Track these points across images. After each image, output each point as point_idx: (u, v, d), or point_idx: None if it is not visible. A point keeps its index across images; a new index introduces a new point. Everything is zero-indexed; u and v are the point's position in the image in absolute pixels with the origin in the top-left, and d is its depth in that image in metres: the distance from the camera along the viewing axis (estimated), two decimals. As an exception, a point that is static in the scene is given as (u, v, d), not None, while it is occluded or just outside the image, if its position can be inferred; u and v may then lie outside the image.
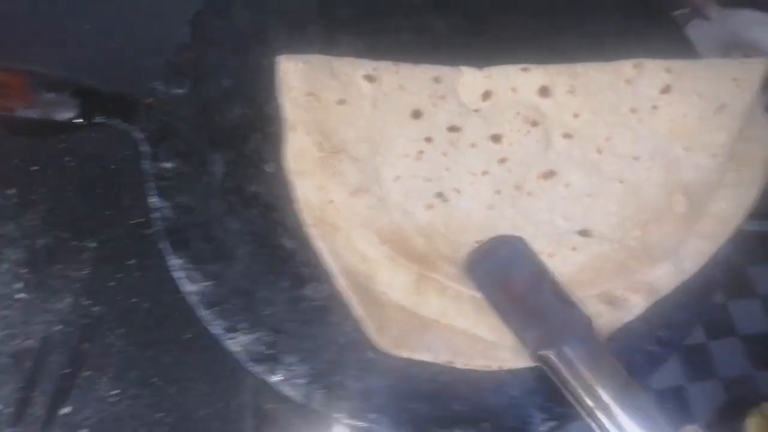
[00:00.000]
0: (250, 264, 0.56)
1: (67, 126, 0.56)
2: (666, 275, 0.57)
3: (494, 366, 0.54)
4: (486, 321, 0.56)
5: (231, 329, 0.55)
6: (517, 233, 0.57)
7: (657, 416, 0.47)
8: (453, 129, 0.60)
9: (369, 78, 0.60)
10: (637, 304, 0.56)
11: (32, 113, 0.55)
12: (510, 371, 0.55)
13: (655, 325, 0.56)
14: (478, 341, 0.55)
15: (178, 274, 0.55)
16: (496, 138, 0.60)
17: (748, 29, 0.80)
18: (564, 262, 0.56)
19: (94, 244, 0.74)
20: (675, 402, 0.68)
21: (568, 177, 0.59)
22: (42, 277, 0.72)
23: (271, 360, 0.54)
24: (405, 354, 0.54)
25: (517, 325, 0.53)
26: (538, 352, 0.51)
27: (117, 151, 0.69)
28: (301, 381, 0.54)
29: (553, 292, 0.54)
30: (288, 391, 0.54)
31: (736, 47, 0.80)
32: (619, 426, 0.47)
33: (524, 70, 0.61)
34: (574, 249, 0.57)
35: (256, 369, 0.54)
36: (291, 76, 0.58)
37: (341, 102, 0.59)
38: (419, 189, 0.58)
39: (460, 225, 0.58)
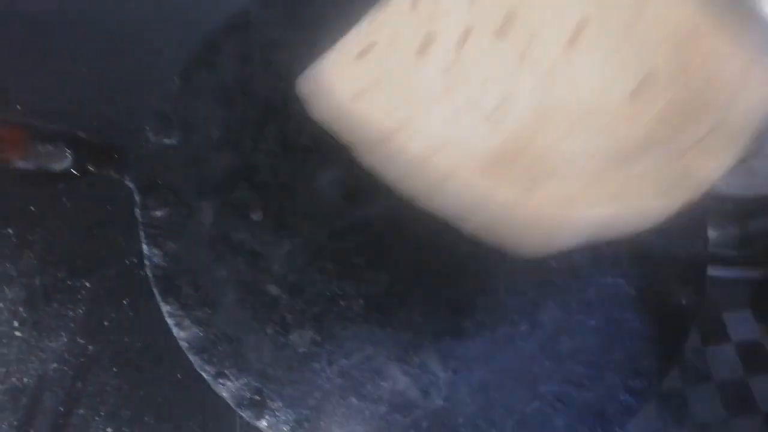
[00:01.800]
0: (237, 311, 0.57)
1: (62, 176, 0.57)
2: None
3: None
4: None
5: (220, 375, 0.56)
6: None
7: None
8: None
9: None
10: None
11: (28, 164, 0.56)
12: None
13: (627, 373, 0.57)
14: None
15: (169, 321, 0.57)
16: None
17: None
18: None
19: (89, 284, 0.75)
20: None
21: None
22: (39, 316, 0.73)
23: (258, 405, 0.55)
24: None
25: None
26: None
27: (112, 193, 0.71)
28: (286, 427, 0.55)
29: None
30: (274, 436, 0.55)
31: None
32: None
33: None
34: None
35: (245, 413, 0.55)
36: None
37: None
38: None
39: None
